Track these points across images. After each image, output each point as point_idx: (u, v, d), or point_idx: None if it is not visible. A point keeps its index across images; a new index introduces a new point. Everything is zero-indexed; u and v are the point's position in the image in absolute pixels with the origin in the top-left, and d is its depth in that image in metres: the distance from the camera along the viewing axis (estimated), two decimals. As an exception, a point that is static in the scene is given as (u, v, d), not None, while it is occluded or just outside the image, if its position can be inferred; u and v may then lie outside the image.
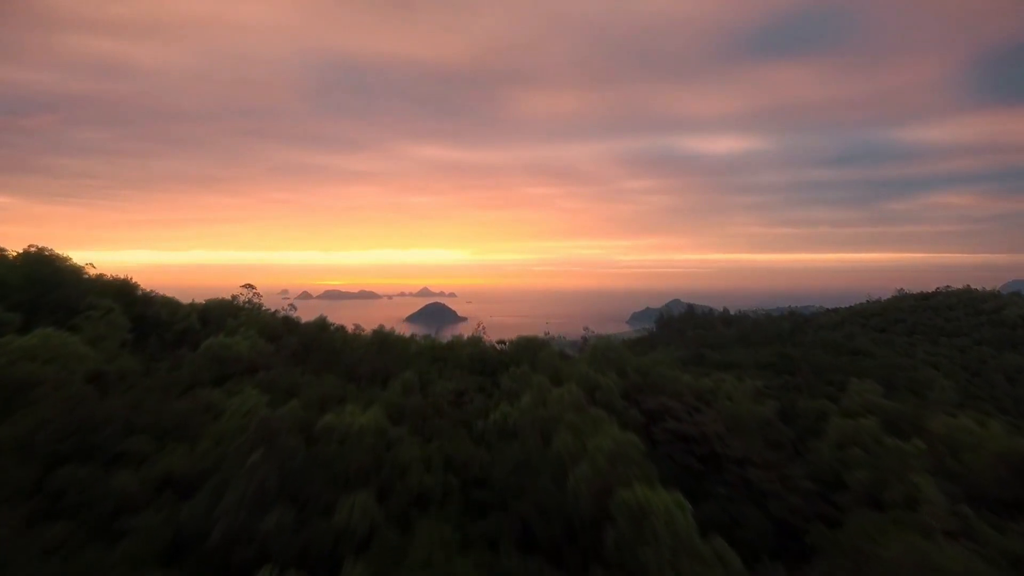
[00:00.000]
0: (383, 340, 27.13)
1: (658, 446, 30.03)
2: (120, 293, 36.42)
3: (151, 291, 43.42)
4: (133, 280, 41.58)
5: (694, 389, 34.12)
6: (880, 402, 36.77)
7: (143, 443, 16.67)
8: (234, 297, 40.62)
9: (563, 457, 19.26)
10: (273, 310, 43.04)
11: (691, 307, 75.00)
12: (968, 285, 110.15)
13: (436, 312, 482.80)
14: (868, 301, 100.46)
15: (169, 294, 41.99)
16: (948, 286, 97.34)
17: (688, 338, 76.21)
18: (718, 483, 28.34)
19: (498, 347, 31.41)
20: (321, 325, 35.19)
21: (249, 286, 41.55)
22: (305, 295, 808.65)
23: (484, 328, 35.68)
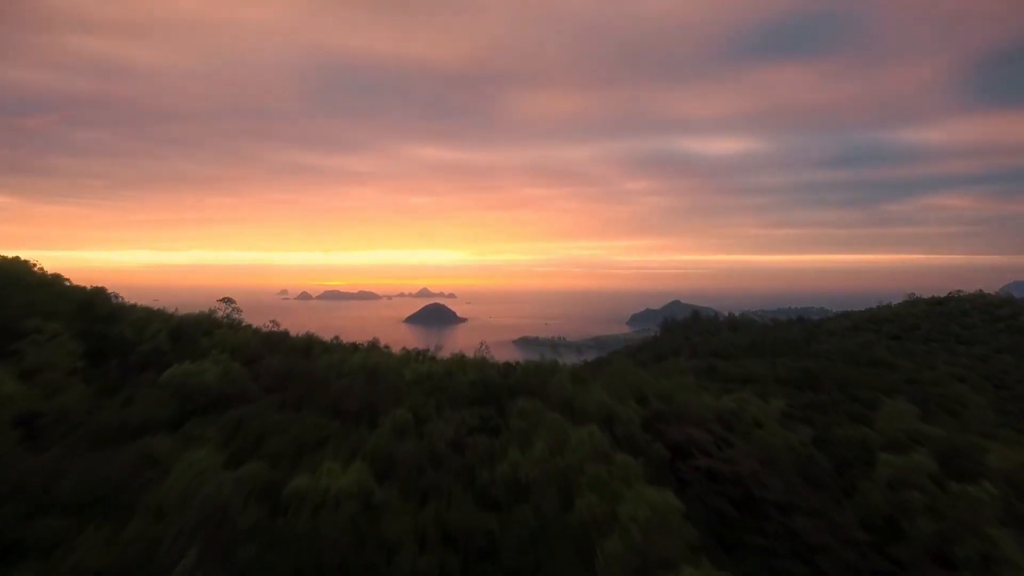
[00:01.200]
0: (373, 369, 23.22)
1: (686, 487, 26.50)
2: (82, 306, 32.65)
3: (121, 300, 39.36)
4: (101, 287, 37.53)
5: (718, 413, 30.43)
6: (922, 429, 33.36)
7: (56, 523, 12.95)
8: (212, 311, 36.90)
9: (588, 525, 15.73)
10: (256, 325, 39.21)
11: (696, 311, 71.74)
12: (981, 290, 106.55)
13: (436, 313, 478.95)
14: (879, 306, 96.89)
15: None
16: (960, 291, 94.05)
17: (694, 344, 72.02)
18: (757, 533, 24.80)
19: (503, 369, 27.65)
20: (306, 346, 31.26)
21: (228, 300, 37.75)
22: (304, 295, 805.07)
23: (488, 349, 31.90)
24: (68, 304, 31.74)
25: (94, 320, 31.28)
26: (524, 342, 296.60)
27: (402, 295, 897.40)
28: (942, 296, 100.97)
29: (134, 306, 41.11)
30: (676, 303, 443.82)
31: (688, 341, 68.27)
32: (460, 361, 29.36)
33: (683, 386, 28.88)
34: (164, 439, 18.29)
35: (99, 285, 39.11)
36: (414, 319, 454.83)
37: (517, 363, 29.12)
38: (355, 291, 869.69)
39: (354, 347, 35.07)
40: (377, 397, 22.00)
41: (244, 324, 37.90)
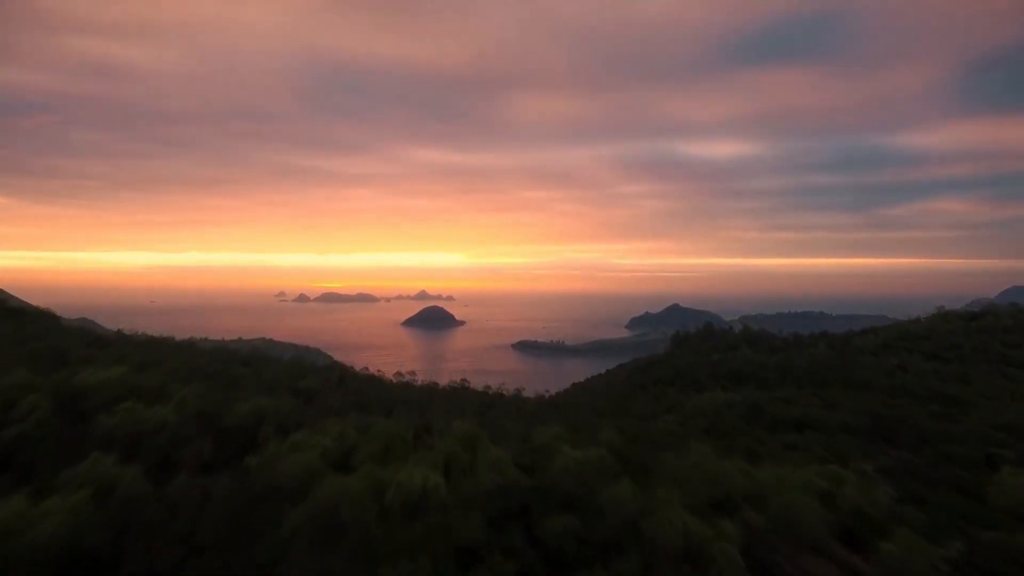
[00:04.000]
0: (331, 506, 12.21)
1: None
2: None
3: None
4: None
5: (836, 523, 18.85)
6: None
7: None
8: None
9: None
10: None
11: (709, 323, 66.74)
12: (1014, 303, 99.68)
13: (434, 316, 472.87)
14: (908, 320, 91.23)
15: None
16: (993, 303, 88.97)
17: (713, 363, 64.99)
18: None
19: (531, 456, 17.48)
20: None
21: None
22: (302, 297, 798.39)
23: (502, 386, 25.95)
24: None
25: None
26: (523, 346, 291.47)
27: (400, 297, 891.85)
28: (976, 311, 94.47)
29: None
30: (675, 307, 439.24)
31: (706, 359, 61.81)
32: (467, 446, 18.11)
33: (780, 480, 19.06)
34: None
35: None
36: (412, 322, 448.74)
37: (552, 448, 21.12)
38: (353, 293, 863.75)
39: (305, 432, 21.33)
40: (335, 564, 11.84)
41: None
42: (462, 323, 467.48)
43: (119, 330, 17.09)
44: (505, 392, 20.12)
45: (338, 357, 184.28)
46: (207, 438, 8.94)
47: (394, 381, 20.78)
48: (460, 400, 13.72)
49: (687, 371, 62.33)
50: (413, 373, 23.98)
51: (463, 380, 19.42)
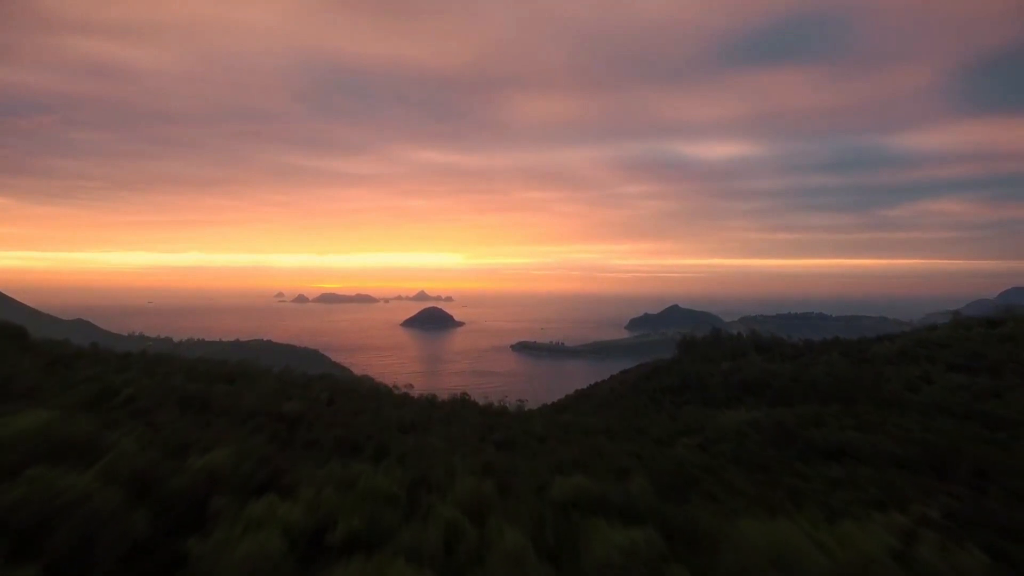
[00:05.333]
0: None
1: None
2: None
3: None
4: None
5: None
6: None
7: None
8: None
9: None
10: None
11: (716, 329, 65.17)
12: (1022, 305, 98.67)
13: (433, 316, 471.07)
14: (926, 328, 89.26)
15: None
16: (1011, 309, 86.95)
17: (725, 372, 62.60)
18: None
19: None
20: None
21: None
22: (301, 298, 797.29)
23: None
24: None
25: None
26: (523, 347, 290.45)
27: (399, 298, 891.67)
28: (997, 319, 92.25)
29: None
30: (675, 308, 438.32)
31: (715, 366, 59.39)
32: (475, 514, 13.30)
33: (849, 539, 15.97)
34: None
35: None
36: (411, 322, 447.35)
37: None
38: (352, 294, 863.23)
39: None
40: None
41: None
42: (461, 324, 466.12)
43: (94, 343, 15.23)
44: (508, 407, 18.79)
45: (337, 359, 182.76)
46: (142, 511, 6.11)
47: (392, 392, 19.33)
48: (461, 420, 12.39)
49: (696, 380, 60.40)
50: (411, 386, 22.83)
51: (463, 393, 18.30)
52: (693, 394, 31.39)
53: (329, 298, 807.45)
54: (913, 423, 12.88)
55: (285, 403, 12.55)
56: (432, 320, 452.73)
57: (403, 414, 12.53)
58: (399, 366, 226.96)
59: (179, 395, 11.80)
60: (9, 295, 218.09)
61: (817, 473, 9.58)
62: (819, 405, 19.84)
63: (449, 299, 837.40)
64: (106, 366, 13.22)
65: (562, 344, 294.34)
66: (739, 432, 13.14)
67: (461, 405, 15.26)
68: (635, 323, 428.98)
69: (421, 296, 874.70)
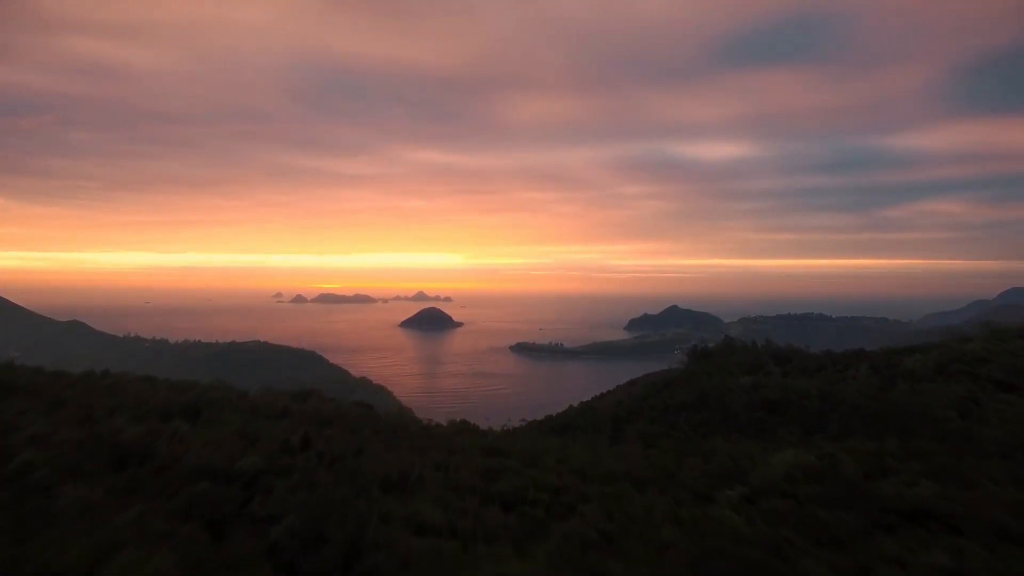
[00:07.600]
0: None
1: None
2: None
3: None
4: None
5: None
6: None
7: None
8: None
9: None
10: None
11: (729, 338, 62.47)
12: None
13: (432, 317, 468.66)
14: (958, 339, 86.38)
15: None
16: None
17: (745, 388, 58.45)
18: None
19: None
20: None
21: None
22: (299, 299, 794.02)
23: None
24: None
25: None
26: (522, 348, 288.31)
27: (398, 298, 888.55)
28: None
29: None
30: (674, 308, 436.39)
31: (733, 380, 56.57)
32: None
33: None
34: None
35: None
36: (410, 323, 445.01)
37: None
38: (351, 294, 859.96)
39: None
40: None
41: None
42: (460, 324, 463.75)
43: (42, 367, 13.17)
44: (511, 427, 16.66)
45: (335, 360, 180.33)
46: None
47: (377, 420, 17.09)
48: (459, 460, 10.62)
49: (715, 397, 56.91)
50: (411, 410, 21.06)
51: (462, 420, 16.49)
52: (712, 413, 29.02)
53: (327, 298, 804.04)
54: (1000, 470, 10.43)
55: (242, 456, 10.08)
56: (431, 321, 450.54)
57: (389, 464, 10.11)
58: (398, 367, 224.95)
59: (110, 446, 9.57)
60: (5, 296, 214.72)
61: (907, 551, 7.45)
62: (866, 437, 17.44)
63: (448, 299, 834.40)
64: (50, 391, 10.96)
65: (561, 345, 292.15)
66: (790, 479, 10.94)
67: (459, 441, 13.04)
68: (634, 323, 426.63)
69: (420, 296, 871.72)
